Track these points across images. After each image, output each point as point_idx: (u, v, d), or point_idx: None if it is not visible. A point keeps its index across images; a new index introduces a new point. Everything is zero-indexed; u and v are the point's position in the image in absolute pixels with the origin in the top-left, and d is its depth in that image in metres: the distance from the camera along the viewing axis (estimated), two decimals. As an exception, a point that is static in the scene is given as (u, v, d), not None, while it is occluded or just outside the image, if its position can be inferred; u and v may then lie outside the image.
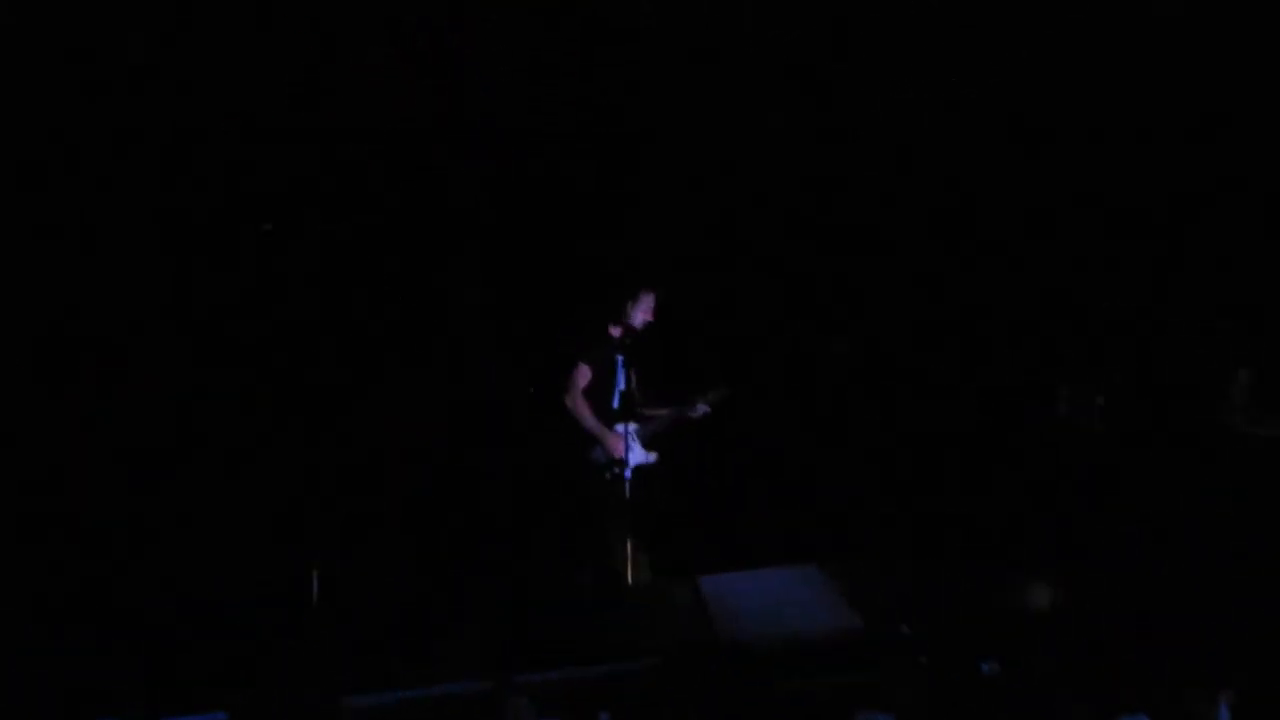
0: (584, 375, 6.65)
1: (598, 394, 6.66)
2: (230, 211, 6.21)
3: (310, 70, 6.12)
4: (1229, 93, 6.26)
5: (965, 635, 4.70)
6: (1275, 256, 6.24)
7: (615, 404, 6.70)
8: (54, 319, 6.01)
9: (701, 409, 6.62)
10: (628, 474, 6.60)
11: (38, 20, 5.74)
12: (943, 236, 6.87)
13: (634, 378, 6.67)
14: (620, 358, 6.64)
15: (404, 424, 6.79)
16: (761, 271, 7.14)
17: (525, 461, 7.11)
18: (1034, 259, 6.77)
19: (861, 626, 5.02)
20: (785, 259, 7.10)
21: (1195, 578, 5.27)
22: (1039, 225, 6.73)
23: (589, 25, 6.54)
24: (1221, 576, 5.31)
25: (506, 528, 6.98)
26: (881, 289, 7.07)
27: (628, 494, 6.61)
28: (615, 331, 6.63)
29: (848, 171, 6.85)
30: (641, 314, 6.58)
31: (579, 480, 6.57)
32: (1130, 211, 6.56)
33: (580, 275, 7.06)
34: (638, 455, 6.73)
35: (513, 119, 6.64)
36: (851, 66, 6.61)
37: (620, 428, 6.65)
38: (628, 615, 5.70)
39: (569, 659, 4.82)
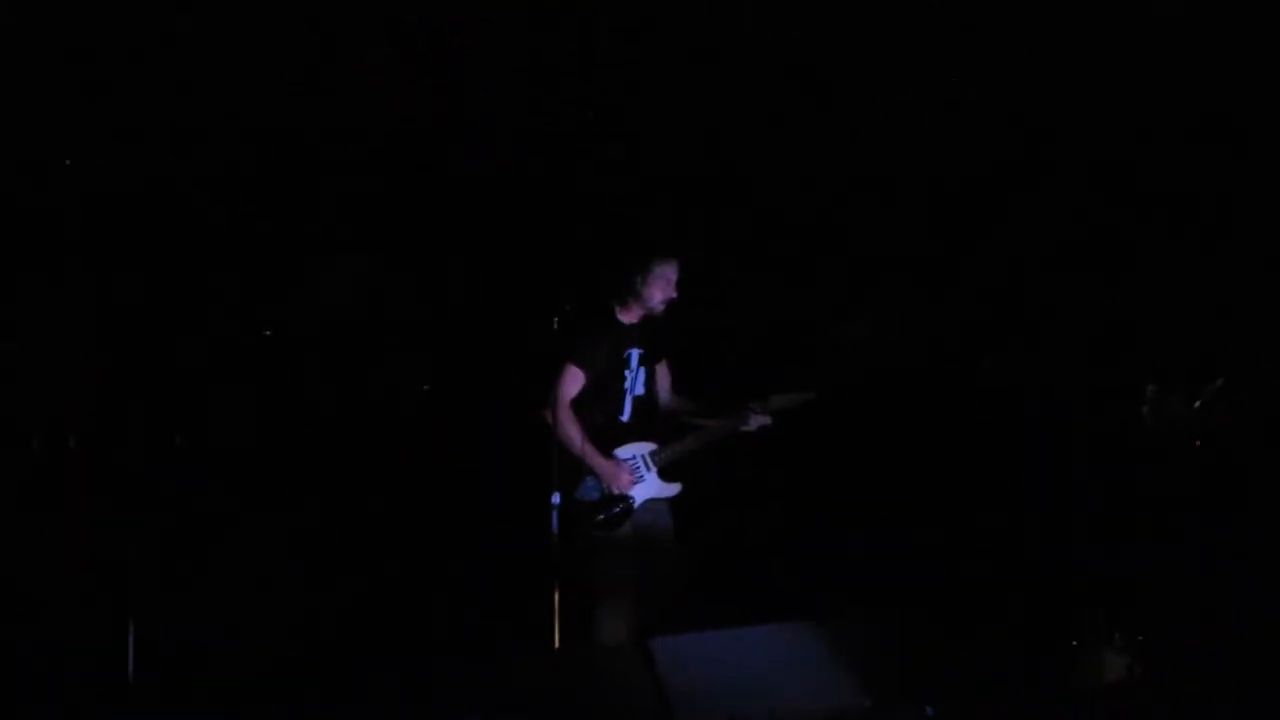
0: (573, 380, 5.18)
1: (601, 403, 5.27)
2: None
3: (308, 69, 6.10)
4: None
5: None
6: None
7: (626, 415, 5.32)
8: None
9: (758, 420, 5.27)
10: (635, 510, 5.21)
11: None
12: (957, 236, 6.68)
13: (656, 378, 5.41)
14: (635, 352, 5.32)
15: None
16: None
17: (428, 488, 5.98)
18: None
19: (868, 705, 4.04)
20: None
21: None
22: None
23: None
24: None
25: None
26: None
27: (631, 539, 5.18)
28: (627, 317, 5.32)
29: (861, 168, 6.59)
30: (660, 291, 5.23)
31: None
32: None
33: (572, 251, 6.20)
34: (650, 488, 5.29)
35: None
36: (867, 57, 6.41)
37: (629, 451, 5.26)
38: (553, 691, 4.18)
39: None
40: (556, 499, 4.96)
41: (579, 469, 5.12)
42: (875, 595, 5.82)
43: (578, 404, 5.21)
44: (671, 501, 5.35)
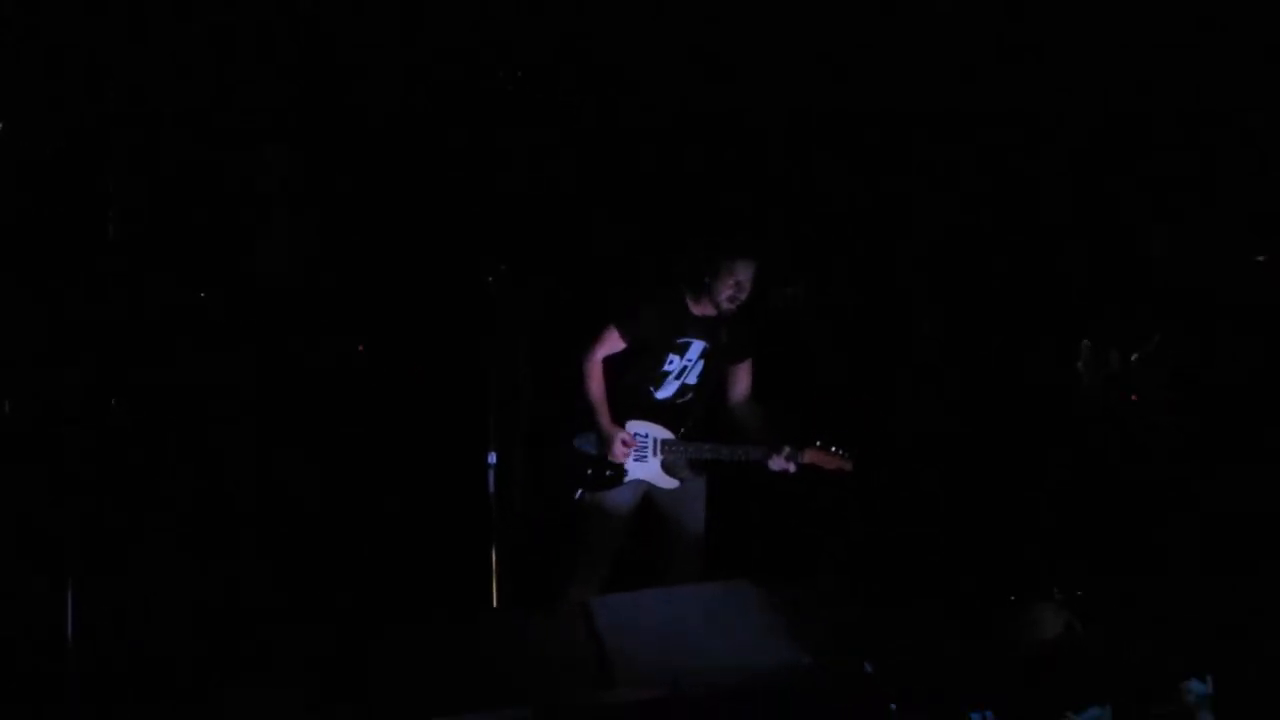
0: (609, 341, 5.19)
1: (637, 373, 5.26)
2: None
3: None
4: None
5: (948, 677, 3.68)
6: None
7: (664, 395, 5.25)
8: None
9: (780, 464, 5.09)
10: (622, 488, 5.17)
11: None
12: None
13: (727, 379, 5.31)
14: (698, 344, 5.22)
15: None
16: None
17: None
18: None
19: (810, 661, 3.87)
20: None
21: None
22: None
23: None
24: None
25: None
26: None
27: (624, 513, 5.17)
28: (699, 308, 5.23)
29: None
30: (728, 289, 5.12)
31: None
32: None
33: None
34: (646, 470, 5.24)
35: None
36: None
37: (643, 428, 5.22)
38: (489, 654, 4.02)
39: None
40: (493, 459, 4.98)
41: (580, 419, 5.18)
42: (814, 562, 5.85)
43: (617, 368, 5.23)
44: (697, 494, 5.30)
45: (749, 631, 4.03)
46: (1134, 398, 5.21)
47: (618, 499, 5.19)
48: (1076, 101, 6.20)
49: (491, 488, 4.90)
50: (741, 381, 5.37)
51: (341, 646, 4.34)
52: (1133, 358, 5.33)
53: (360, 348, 5.93)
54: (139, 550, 5.45)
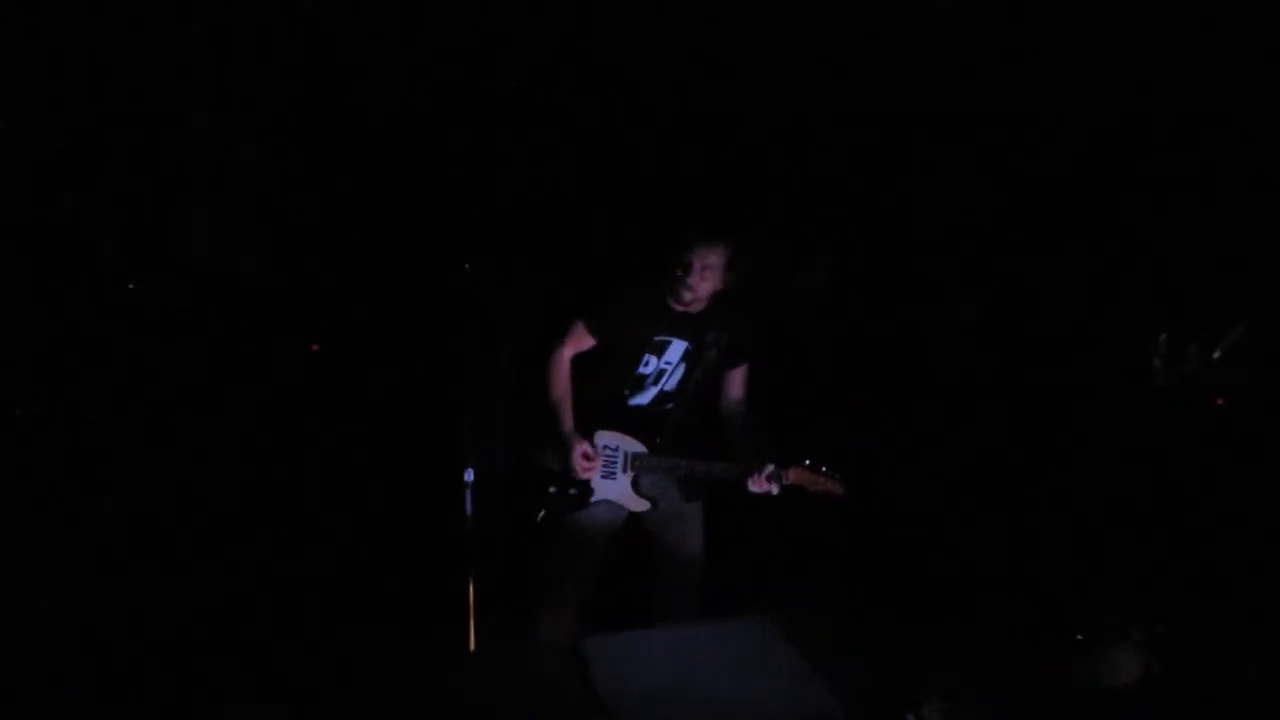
0: (577, 338, 4.58)
1: (608, 377, 4.62)
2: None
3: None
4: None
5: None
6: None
7: (639, 402, 4.61)
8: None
9: (760, 485, 4.46)
10: (593, 509, 4.51)
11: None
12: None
13: (696, 385, 4.62)
14: (679, 344, 4.59)
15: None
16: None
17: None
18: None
19: (842, 714, 3.30)
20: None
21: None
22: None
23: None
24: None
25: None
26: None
27: (588, 540, 4.51)
28: (680, 304, 4.55)
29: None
30: (703, 281, 4.48)
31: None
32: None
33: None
34: (615, 490, 4.59)
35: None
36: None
37: (613, 440, 4.57)
38: (467, 702, 3.46)
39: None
40: (470, 476, 4.31)
41: (542, 426, 4.54)
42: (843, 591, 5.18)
43: (590, 371, 4.59)
44: (692, 519, 4.65)
45: (771, 678, 3.45)
46: (1220, 401, 4.53)
47: (589, 522, 4.54)
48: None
49: (469, 509, 4.23)
50: (733, 390, 4.70)
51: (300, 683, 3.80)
52: (1214, 354, 4.65)
53: (314, 347, 5.31)
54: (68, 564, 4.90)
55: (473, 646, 4.24)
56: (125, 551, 4.93)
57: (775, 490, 4.40)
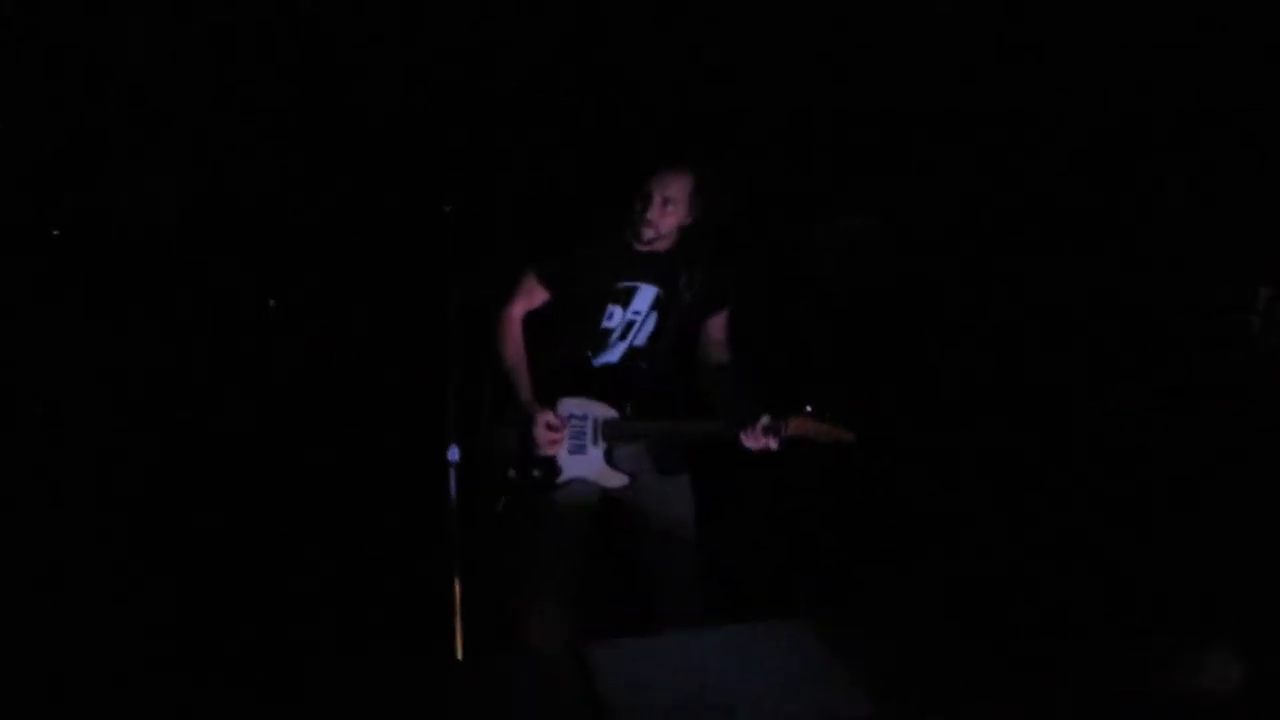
0: (528, 292, 4.05)
1: (569, 337, 4.08)
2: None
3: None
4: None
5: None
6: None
7: (605, 360, 4.07)
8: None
9: (758, 440, 3.84)
10: (564, 491, 3.93)
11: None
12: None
13: (699, 333, 4.13)
14: (648, 289, 4.05)
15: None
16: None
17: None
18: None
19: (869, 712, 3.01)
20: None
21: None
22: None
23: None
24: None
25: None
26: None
27: (561, 530, 3.93)
28: (643, 244, 4.02)
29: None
30: (665, 215, 3.98)
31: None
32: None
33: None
34: (586, 465, 3.99)
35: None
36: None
37: (579, 408, 3.99)
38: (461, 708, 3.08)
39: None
40: (454, 454, 3.81)
41: (500, 401, 3.98)
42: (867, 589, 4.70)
43: (547, 331, 4.07)
44: (679, 496, 4.04)
45: (800, 687, 3.07)
46: None
47: (560, 507, 3.95)
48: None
49: (453, 492, 3.73)
50: (714, 339, 4.15)
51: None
52: None
53: (271, 302, 4.80)
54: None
55: (460, 654, 3.75)
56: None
57: (775, 444, 3.79)
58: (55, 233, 4.60)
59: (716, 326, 4.12)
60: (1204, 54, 4.91)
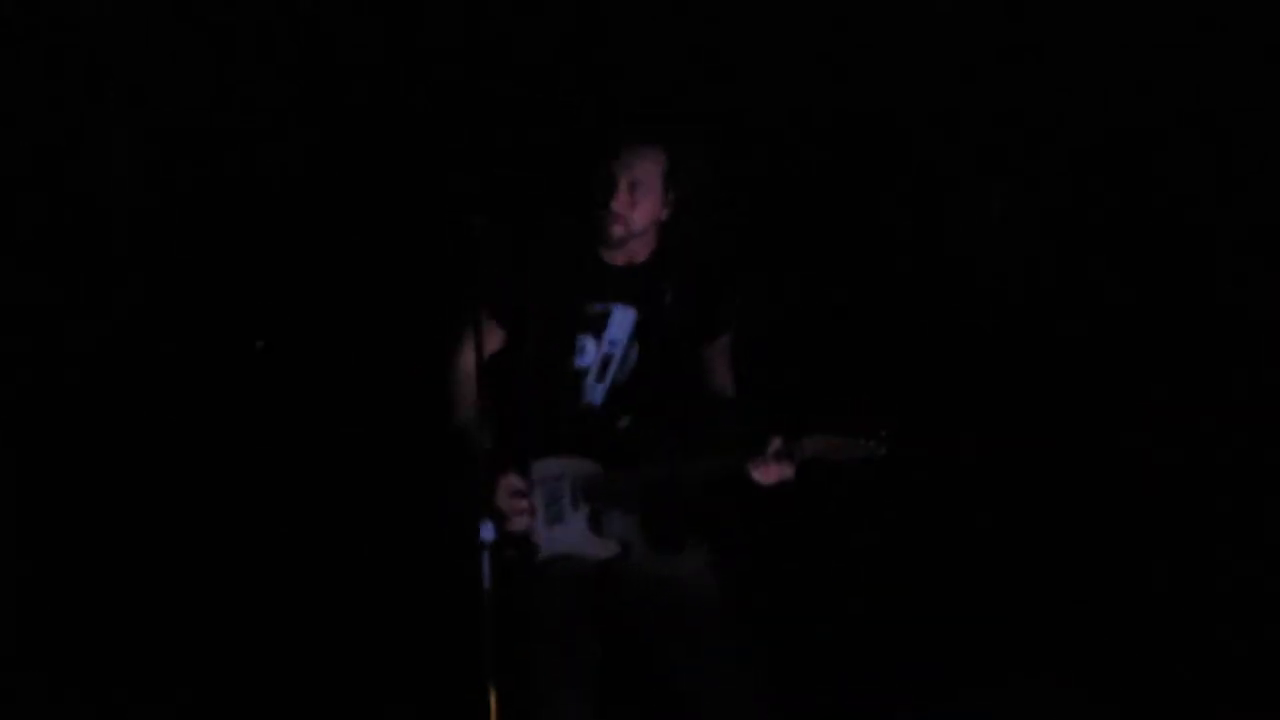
0: (487, 331, 3.15)
1: (538, 383, 3.34)
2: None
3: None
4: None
5: None
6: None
7: (582, 406, 3.33)
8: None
9: (771, 470, 3.11)
10: (555, 576, 3.22)
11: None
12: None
13: (659, 370, 3.34)
14: (623, 312, 3.31)
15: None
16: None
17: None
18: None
19: None
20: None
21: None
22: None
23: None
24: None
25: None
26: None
27: (558, 623, 3.21)
28: (614, 255, 3.31)
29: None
30: (635, 204, 3.22)
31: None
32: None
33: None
34: (568, 536, 3.25)
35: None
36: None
37: (555, 468, 3.25)
38: None
39: None
40: (489, 533, 2.94)
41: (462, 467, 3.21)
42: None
43: (510, 379, 3.32)
44: (692, 562, 3.30)
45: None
46: None
47: (548, 593, 3.24)
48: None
49: (486, 579, 2.94)
50: (716, 375, 3.38)
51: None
52: None
53: (259, 343, 4.35)
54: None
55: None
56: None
57: (790, 472, 3.09)
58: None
59: (717, 357, 3.38)
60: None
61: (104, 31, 4.74)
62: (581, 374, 3.32)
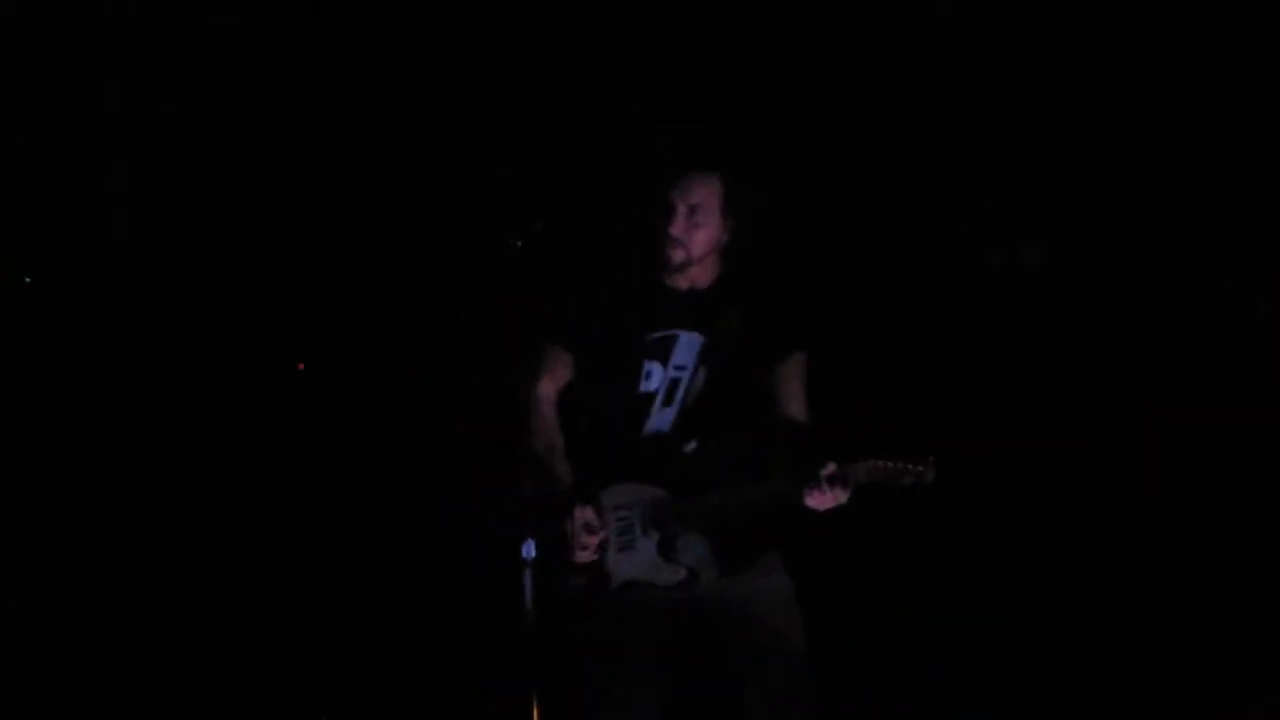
0: (553, 364, 3.34)
1: (600, 406, 3.35)
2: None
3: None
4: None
5: None
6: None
7: (652, 432, 3.30)
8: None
9: (824, 496, 3.10)
10: (627, 606, 3.20)
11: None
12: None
13: (729, 394, 3.33)
14: (689, 338, 3.31)
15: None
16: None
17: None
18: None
19: None
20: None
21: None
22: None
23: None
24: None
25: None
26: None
27: (632, 656, 3.20)
28: (676, 279, 3.33)
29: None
30: (694, 229, 3.25)
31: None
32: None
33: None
34: (637, 563, 3.23)
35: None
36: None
37: (624, 496, 3.23)
38: None
39: None
40: (530, 551, 3.01)
41: (541, 501, 3.22)
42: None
43: (580, 408, 3.35)
44: (769, 588, 3.28)
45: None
46: None
47: (620, 621, 3.22)
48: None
49: (528, 599, 2.98)
50: (790, 398, 3.33)
51: None
52: None
53: (300, 365, 4.34)
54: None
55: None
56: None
57: (844, 498, 3.09)
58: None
59: (790, 378, 3.33)
60: None
61: (104, 31, 4.70)
62: (648, 399, 3.31)
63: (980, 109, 4.80)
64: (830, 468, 3.09)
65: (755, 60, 4.72)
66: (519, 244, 3.25)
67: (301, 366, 4.52)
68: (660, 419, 3.31)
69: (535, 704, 2.99)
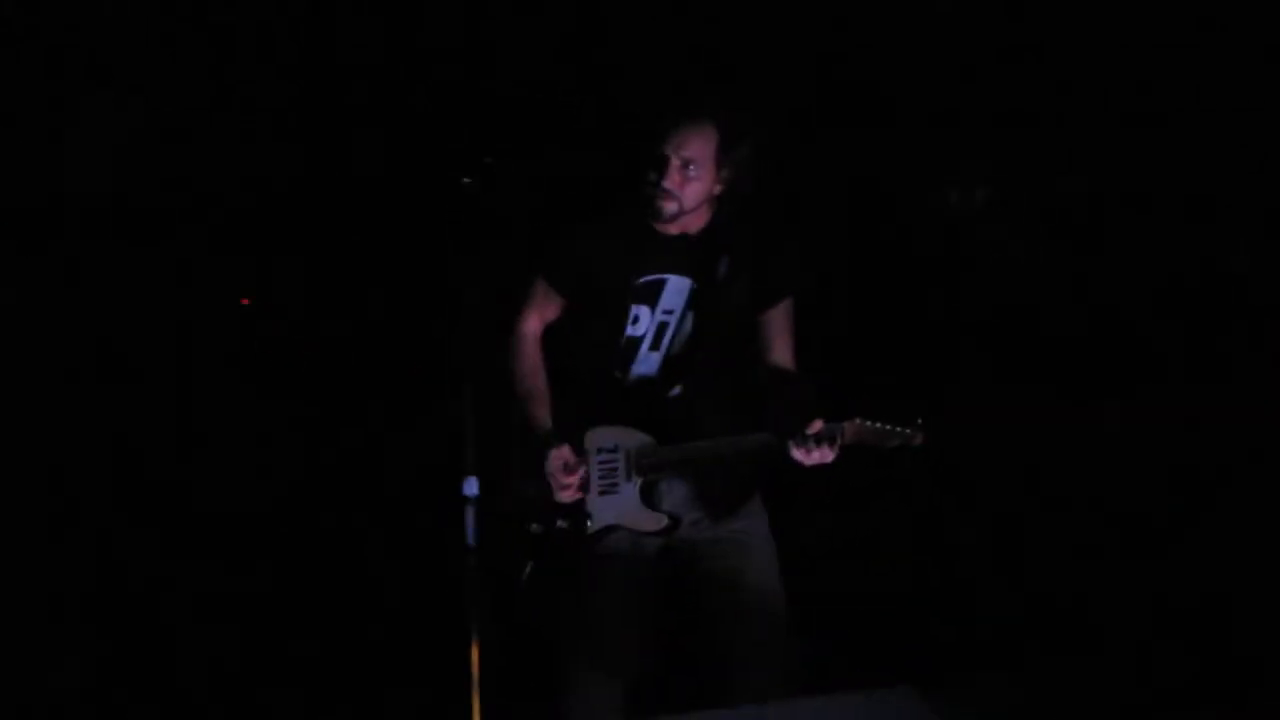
0: (541, 302, 3.39)
1: (591, 353, 3.39)
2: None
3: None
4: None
5: None
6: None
7: (638, 377, 3.33)
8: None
9: (811, 453, 3.09)
10: (608, 544, 3.24)
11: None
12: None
13: (716, 340, 3.33)
14: (678, 282, 3.32)
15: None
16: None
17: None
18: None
19: None
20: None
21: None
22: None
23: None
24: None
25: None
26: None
27: (610, 594, 3.24)
28: (668, 225, 3.31)
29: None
30: (687, 181, 3.25)
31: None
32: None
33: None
34: (620, 506, 3.25)
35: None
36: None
37: (609, 439, 3.27)
38: None
39: None
40: (472, 488, 2.90)
41: (516, 442, 3.29)
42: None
43: (566, 347, 3.42)
44: (748, 532, 3.30)
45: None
46: None
47: (601, 563, 3.25)
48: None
49: (470, 537, 2.86)
50: (777, 342, 3.30)
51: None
52: None
53: (244, 301, 4.28)
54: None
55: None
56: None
57: (830, 455, 3.08)
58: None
59: (778, 323, 3.32)
60: None
61: (104, 31, 4.69)
62: (635, 342, 3.35)
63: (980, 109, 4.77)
64: (817, 425, 3.08)
65: (755, 60, 4.70)
66: (467, 181, 3.14)
67: (246, 301, 4.37)
68: (647, 363, 3.35)
69: (475, 652, 2.89)
